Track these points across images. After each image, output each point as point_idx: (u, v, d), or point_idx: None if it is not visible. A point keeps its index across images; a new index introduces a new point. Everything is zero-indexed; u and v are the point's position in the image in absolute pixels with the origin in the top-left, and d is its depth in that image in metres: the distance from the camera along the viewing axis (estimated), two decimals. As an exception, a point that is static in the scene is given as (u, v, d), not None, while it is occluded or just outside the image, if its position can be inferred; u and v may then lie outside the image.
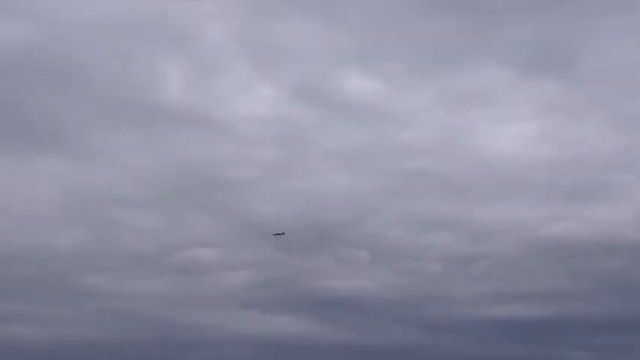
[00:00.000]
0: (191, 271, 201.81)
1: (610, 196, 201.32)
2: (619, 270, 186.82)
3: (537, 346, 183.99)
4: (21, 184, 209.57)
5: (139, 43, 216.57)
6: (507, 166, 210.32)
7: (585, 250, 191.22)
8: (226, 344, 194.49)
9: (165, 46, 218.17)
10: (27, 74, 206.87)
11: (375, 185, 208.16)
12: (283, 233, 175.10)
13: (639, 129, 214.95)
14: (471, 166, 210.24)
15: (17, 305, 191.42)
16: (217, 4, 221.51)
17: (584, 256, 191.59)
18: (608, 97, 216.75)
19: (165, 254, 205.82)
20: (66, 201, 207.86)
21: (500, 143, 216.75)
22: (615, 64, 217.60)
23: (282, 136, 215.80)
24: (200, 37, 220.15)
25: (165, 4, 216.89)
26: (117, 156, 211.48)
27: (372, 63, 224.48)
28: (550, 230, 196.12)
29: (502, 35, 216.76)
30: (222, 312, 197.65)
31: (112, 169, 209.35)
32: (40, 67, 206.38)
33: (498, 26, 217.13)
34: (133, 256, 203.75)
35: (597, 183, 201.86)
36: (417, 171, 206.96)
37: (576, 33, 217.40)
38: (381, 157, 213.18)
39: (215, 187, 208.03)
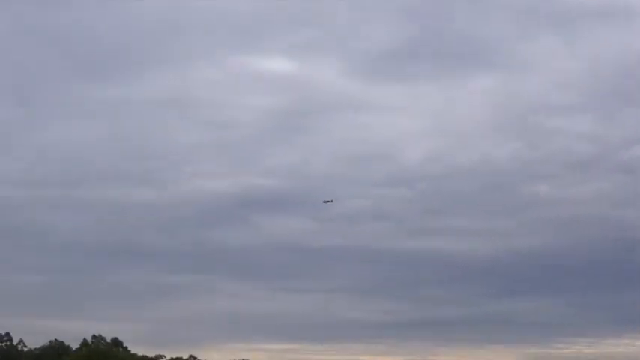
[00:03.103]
0: (637, 170, 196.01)
1: None
2: None
3: None
4: (455, 105, 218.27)
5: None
6: None
7: None
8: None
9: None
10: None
11: None
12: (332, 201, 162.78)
13: None
14: None
15: (458, 221, 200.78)
16: None
17: None
18: None
19: (606, 156, 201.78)
20: (499, 114, 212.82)
21: None
22: None
23: None
24: None
25: None
26: (543, 64, 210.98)
27: None
28: None
29: None
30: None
31: (540, 78, 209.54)
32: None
33: None
34: (571, 161, 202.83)
35: None
36: None
37: None
38: None
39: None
